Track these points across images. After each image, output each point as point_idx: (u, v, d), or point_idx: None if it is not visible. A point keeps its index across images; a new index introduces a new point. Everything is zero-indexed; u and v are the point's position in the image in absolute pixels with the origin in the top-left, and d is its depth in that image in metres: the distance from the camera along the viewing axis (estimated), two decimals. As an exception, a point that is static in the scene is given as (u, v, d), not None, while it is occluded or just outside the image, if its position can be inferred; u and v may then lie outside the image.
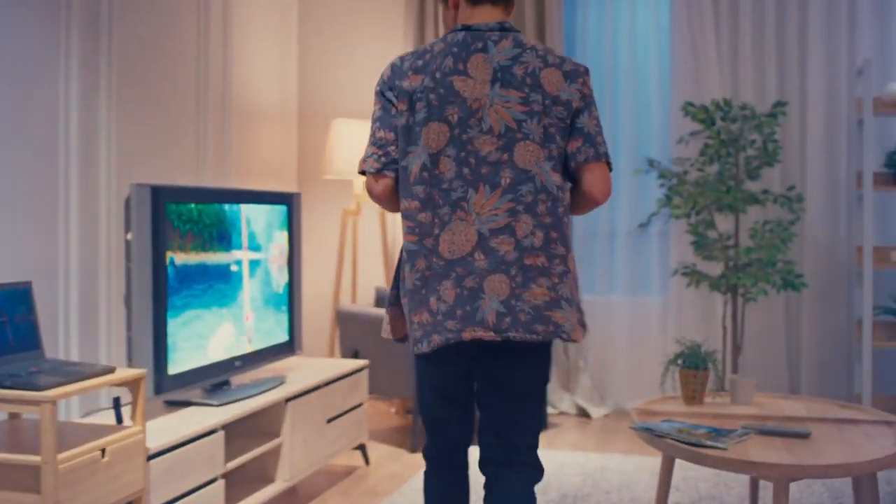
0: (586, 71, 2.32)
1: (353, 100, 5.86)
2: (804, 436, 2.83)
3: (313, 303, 5.96)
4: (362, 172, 2.31)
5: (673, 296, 5.62)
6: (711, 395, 3.48)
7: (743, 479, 4.08)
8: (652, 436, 2.80)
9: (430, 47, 2.30)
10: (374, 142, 2.29)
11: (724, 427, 2.93)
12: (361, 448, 4.32)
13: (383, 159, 2.28)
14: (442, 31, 5.57)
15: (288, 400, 3.52)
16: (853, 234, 5.44)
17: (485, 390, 2.34)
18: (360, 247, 5.89)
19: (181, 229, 3.11)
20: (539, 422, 2.37)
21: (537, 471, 2.36)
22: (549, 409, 5.46)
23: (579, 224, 5.76)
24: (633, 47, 5.66)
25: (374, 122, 2.32)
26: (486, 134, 2.21)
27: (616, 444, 4.86)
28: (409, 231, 2.26)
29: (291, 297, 3.94)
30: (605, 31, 5.68)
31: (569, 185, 2.29)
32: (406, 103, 2.24)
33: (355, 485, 4.03)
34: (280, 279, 3.85)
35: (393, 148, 2.27)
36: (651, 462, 4.39)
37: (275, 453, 3.50)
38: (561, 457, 4.47)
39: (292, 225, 3.94)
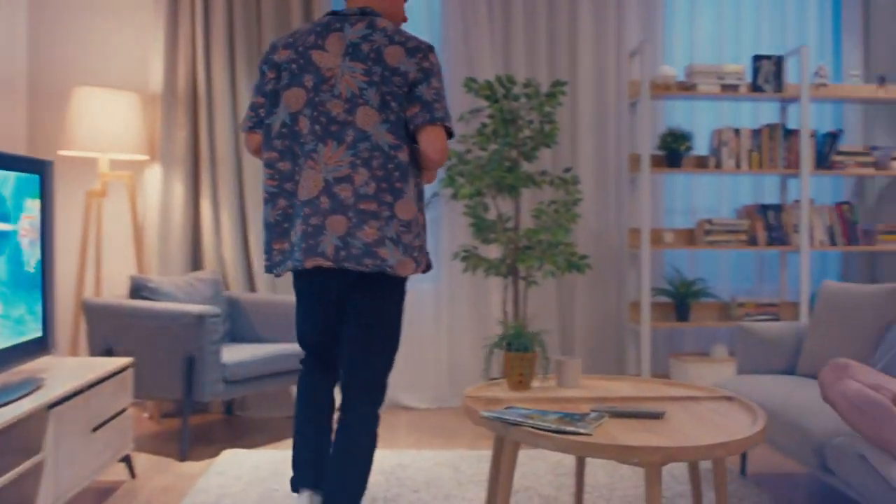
0: (429, 48, 2.67)
1: (96, 67, 5.15)
2: (658, 416, 2.64)
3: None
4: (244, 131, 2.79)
5: (445, 283, 5.39)
6: (539, 379, 3.24)
7: (551, 467, 3.89)
8: (506, 425, 2.50)
9: (302, 28, 2.74)
10: (250, 106, 2.76)
11: (571, 411, 2.68)
12: (126, 459, 3.73)
13: (255, 119, 2.75)
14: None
15: (51, 406, 2.91)
16: (623, 216, 5.46)
17: (346, 317, 2.75)
18: (105, 232, 5.19)
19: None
20: (386, 347, 2.76)
21: (377, 392, 2.74)
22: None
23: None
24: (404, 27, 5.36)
25: (253, 90, 2.78)
26: (336, 98, 2.63)
27: (401, 439, 4.55)
28: (269, 177, 2.70)
29: (45, 283, 3.29)
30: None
31: (403, 145, 2.63)
32: (275, 73, 2.71)
33: (127, 502, 3.45)
34: (32, 256, 3.20)
35: (263, 110, 2.73)
36: (447, 455, 4.11)
37: (36, 472, 2.87)
38: (352, 456, 4.08)
39: (45, 195, 3.29)
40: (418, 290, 5.41)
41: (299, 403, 2.87)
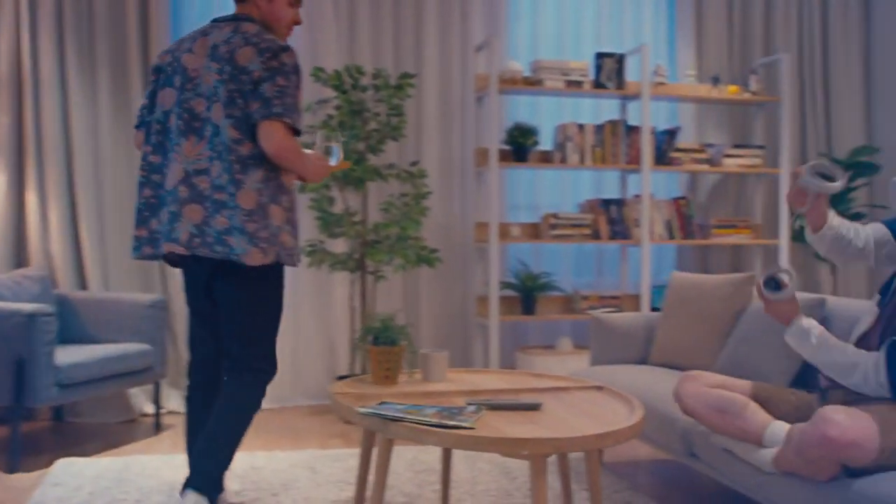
0: (281, 49, 2.78)
1: None
2: (536, 407, 2.62)
3: None
4: None
5: (288, 279, 5.23)
6: (405, 373, 3.16)
7: (408, 464, 3.82)
8: (385, 421, 2.41)
9: (186, 35, 2.95)
10: (140, 107, 3.00)
11: (447, 405, 2.61)
12: (-50, 473, 3.41)
13: (140, 118, 2.99)
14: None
15: None
16: (469, 210, 5.45)
17: (219, 305, 2.92)
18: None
19: None
20: (256, 332, 2.88)
21: (253, 373, 2.88)
22: (161, 410, 4.79)
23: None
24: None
25: None
26: (199, 97, 2.82)
27: (249, 440, 4.39)
28: (140, 168, 2.92)
29: None
30: (213, 2, 5.18)
31: (245, 140, 2.77)
32: (156, 76, 2.96)
33: (-47, 521, 3.15)
34: None
35: (146, 110, 2.97)
36: (300, 456, 3.98)
37: None
38: (200, 460, 3.88)
39: None
40: (261, 286, 5.23)
41: (185, 412, 3.09)
